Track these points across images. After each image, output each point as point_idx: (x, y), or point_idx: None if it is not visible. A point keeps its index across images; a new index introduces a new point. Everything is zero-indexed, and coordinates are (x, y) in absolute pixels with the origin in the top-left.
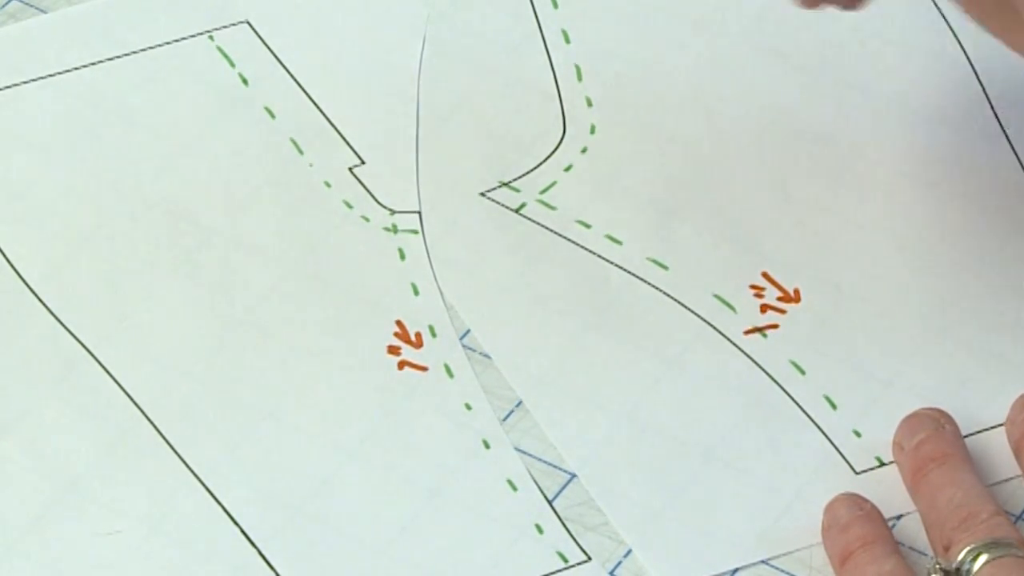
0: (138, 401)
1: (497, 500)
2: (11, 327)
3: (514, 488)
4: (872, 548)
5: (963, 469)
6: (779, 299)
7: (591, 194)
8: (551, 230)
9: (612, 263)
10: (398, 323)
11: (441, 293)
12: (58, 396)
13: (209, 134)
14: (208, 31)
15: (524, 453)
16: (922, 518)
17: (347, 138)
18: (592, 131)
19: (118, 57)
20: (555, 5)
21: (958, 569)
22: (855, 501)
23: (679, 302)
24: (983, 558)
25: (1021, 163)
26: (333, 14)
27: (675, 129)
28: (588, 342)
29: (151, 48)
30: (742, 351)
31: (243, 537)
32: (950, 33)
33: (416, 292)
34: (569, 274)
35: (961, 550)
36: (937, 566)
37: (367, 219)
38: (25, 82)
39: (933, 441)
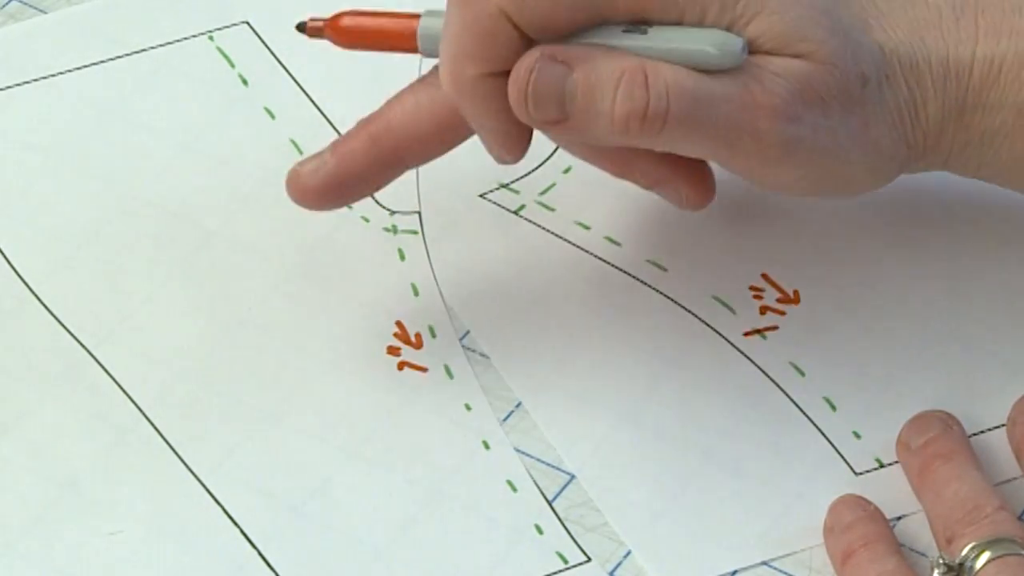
0: (138, 401)
1: (497, 500)
2: (11, 327)
3: (514, 488)
4: (874, 547)
5: (970, 466)
6: (779, 300)
7: (590, 196)
8: (550, 231)
9: (611, 264)
10: (398, 324)
11: (441, 293)
12: (58, 396)
13: (209, 134)
14: (208, 31)
15: (524, 453)
16: (927, 512)
17: None
18: None
19: (118, 57)
20: None
21: (961, 565)
22: (858, 502)
23: (678, 304)
24: (985, 555)
25: None
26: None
27: None
28: (588, 343)
29: (151, 48)
30: (742, 353)
31: (243, 537)
32: None
33: (416, 292)
34: (568, 275)
35: (964, 546)
36: (940, 561)
37: (367, 219)
38: (25, 82)
39: (941, 440)
